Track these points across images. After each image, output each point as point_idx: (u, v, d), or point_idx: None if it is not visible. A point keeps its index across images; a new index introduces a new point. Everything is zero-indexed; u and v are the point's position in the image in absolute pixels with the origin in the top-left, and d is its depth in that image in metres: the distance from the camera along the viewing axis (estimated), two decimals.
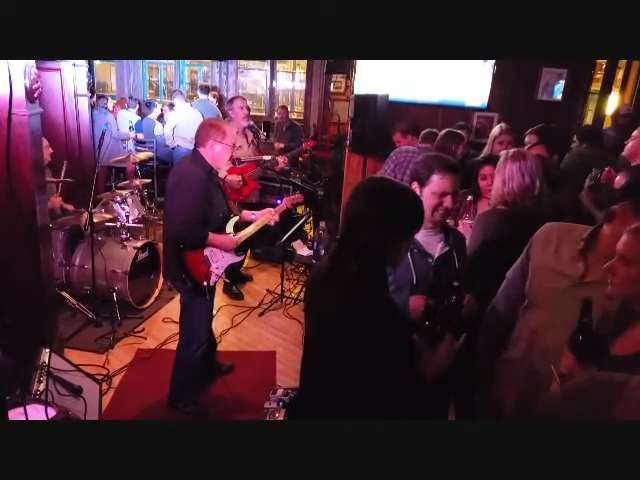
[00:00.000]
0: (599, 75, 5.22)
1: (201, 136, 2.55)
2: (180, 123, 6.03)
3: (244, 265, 4.65)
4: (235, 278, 4.42)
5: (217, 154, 2.55)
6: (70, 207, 3.90)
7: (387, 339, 1.24)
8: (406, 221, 1.32)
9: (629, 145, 2.78)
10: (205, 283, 2.58)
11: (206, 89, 6.83)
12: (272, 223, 2.96)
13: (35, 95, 2.37)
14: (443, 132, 3.29)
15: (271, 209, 2.98)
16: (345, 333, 1.25)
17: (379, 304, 1.29)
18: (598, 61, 4.99)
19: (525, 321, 1.69)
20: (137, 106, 7.38)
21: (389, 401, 1.27)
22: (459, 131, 3.34)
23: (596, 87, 5.16)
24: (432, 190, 1.76)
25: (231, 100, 4.24)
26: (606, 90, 4.94)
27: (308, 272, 4.62)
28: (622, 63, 5.07)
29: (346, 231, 1.34)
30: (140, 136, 6.53)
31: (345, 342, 1.25)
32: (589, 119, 5.38)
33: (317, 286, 1.41)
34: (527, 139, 3.16)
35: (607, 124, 4.89)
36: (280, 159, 4.38)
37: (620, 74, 5.28)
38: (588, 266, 1.47)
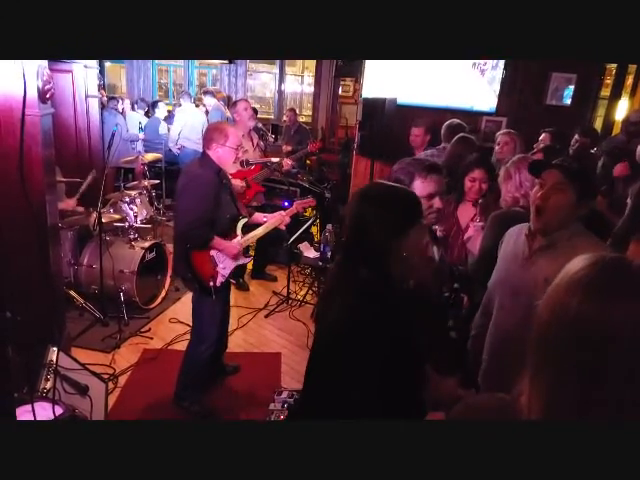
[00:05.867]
0: (609, 80, 5.19)
1: (206, 140, 2.63)
2: (186, 124, 6.07)
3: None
4: (260, 276, 4.69)
5: (221, 157, 2.60)
6: (81, 209, 3.94)
7: (395, 342, 1.24)
8: (403, 215, 1.35)
9: None
10: (211, 284, 2.59)
11: (212, 93, 6.83)
12: (283, 226, 2.96)
13: (47, 96, 2.40)
14: (456, 138, 3.26)
15: (282, 212, 2.98)
16: (355, 337, 1.25)
17: (391, 306, 1.29)
18: (608, 66, 4.96)
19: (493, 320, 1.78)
20: (145, 108, 7.39)
21: (387, 406, 1.26)
22: (468, 136, 3.33)
23: (606, 92, 5.13)
24: (418, 195, 1.76)
25: (234, 103, 4.31)
26: (616, 96, 4.91)
27: (314, 274, 4.63)
28: (632, 68, 5.04)
29: (352, 237, 1.38)
30: (142, 135, 6.56)
31: (353, 345, 1.25)
32: (598, 125, 5.35)
33: (329, 294, 1.43)
34: (542, 137, 3.18)
35: (616, 130, 4.86)
36: (289, 161, 4.39)
37: (630, 79, 5.24)
38: (532, 247, 1.64)
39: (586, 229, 1.58)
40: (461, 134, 3.34)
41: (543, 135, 3.24)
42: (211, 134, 2.62)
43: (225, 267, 2.68)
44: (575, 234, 1.54)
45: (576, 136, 3.48)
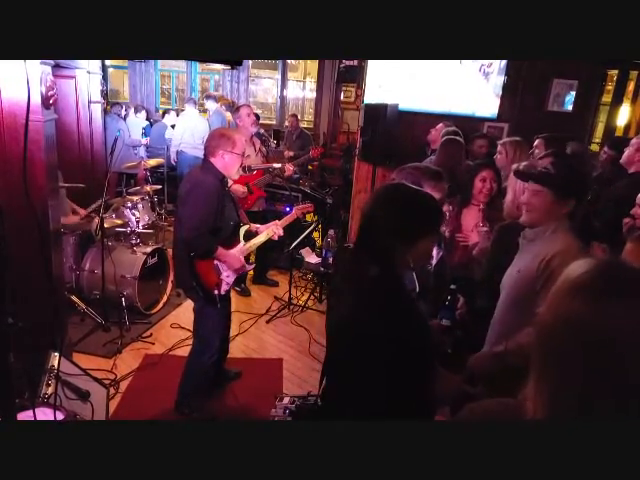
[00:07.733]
0: (610, 86, 5.21)
1: (211, 146, 2.56)
2: (188, 128, 6.10)
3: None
4: (261, 281, 4.67)
5: (228, 163, 2.56)
6: (82, 212, 3.95)
7: (404, 342, 1.23)
8: (421, 221, 1.35)
9: (626, 153, 2.82)
10: (216, 292, 2.57)
11: (214, 98, 6.86)
12: (275, 238, 2.90)
13: (51, 102, 2.41)
14: (444, 141, 3.27)
15: (277, 221, 2.93)
16: (364, 336, 1.26)
17: (399, 307, 1.30)
18: (609, 72, 4.98)
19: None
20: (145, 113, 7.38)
21: (396, 405, 1.26)
22: (458, 138, 3.34)
23: (607, 98, 5.15)
24: None
25: (237, 109, 4.30)
26: (617, 102, 4.92)
27: (316, 280, 4.63)
28: (633, 75, 5.06)
29: (364, 237, 1.37)
30: (144, 141, 6.58)
31: (363, 344, 1.26)
32: (600, 130, 5.36)
33: (338, 292, 1.43)
34: (536, 143, 3.18)
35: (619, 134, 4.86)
36: (290, 166, 4.41)
37: (631, 86, 5.26)
38: (523, 247, 1.82)
39: (568, 228, 1.72)
40: (447, 137, 3.37)
41: (537, 141, 3.23)
42: (217, 141, 2.55)
43: (229, 275, 2.66)
44: (554, 231, 1.70)
45: (605, 148, 3.48)
